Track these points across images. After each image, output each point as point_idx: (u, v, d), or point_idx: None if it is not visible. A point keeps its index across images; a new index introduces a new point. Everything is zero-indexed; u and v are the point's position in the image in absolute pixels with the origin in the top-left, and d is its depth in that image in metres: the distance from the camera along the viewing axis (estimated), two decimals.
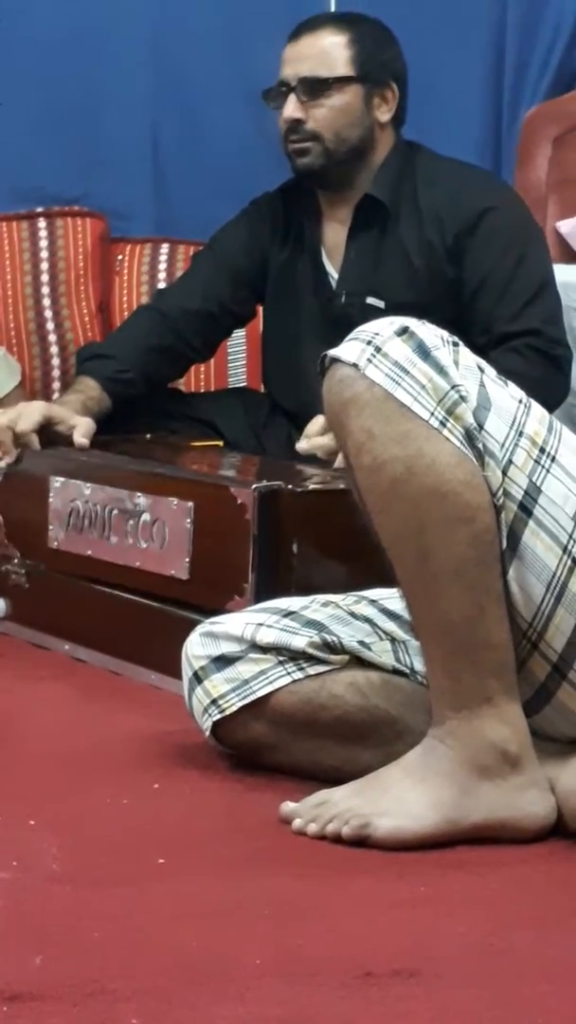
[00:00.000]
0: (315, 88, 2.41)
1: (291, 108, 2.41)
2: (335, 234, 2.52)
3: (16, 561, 2.35)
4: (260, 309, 2.67)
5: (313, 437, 2.23)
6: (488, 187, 2.53)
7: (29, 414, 2.36)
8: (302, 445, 2.24)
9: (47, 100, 3.14)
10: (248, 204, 2.62)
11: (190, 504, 2.06)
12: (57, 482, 2.27)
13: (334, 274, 2.51)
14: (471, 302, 2.39)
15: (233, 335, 2.79)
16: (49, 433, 2.35)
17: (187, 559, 2.06)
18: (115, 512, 2.17)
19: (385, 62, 2.47)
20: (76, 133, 3.16)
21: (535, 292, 2.37)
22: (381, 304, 2.41)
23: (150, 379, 2.52)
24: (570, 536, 1.54)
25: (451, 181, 2.47)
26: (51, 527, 2.27)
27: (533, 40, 3.30)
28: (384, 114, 2.47)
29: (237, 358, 3.09)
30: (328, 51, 2.43)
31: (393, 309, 2.34)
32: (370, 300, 2.43)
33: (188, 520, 2.06)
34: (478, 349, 2.28)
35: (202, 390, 3.02)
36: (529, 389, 1.83)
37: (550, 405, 2.31)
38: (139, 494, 2.14)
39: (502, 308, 2.36)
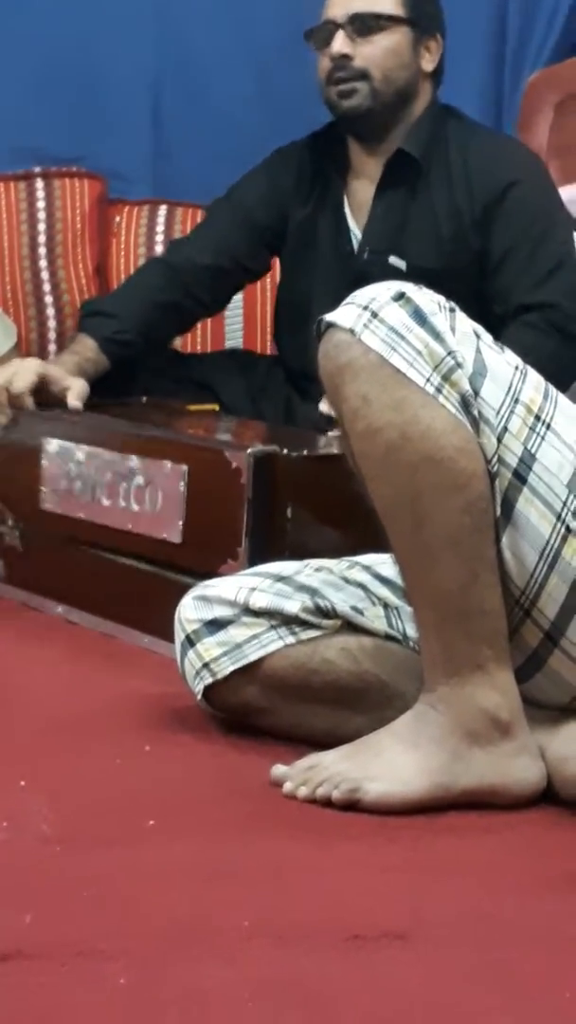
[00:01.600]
0: (367, 24, 2.38)
1: (340, 43, 2.38)
2: (362, 190, 2.49)
3: (10, 523, 2.35)
4: (275, 263, 2.64)
5: None
6: (518, 158, 2.51)
7: (24, 373, 2.34)
8: (324, 407, 2.23)
9: (47, 60, 3.12)
10: (272, 153, 2.58)
11: (184, 467, 2.05)
12: (51, 444, 2.25)
13: (357, 232, 2.48)
14: (493, 273, 2.37)
15: None
16: (44, 394, 2.34)
17: (180, 522, 2.06)
18: (108, 475, 2.16)
19: (432, 13, 2.47)
20: (76, 94, 3.15)
21: (555, 266, 2.36)
22: (403, 265, 2.40)
23: (152, 338, 2.50)
24: (564, 504, 1.54)
25: (482, 149, 2.46)
26: (43, 489, 2.27)
27: (536, 7, 3.29)
28: (428, 64, 2.46)
29: (234, 320, 3.08)
30: None
31: (414, 272, 2.32)
32: (392, 260, 2.41)
33: (182, 483, 2.05)
34: (496, 319, 2.29)
35: (199, 351, 3.01)
36: (544, 363, 1.82)
37: (565, 380, 2.30)
38: (132, 457, 2.13)
39: (522, 280, 2.35)
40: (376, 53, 2.39)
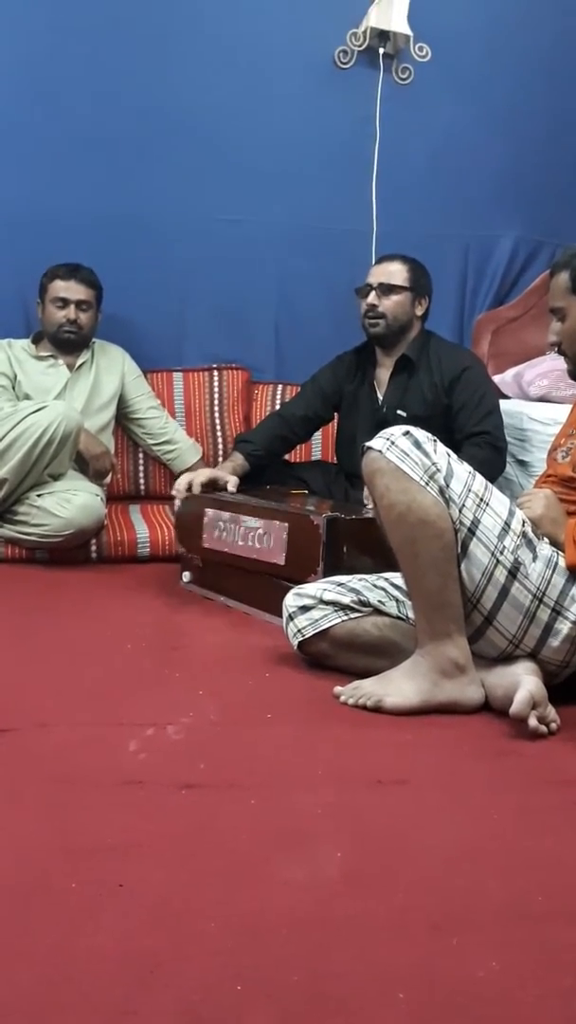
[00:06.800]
0: (386, 290, 2.40)
1: (371, 298, 2.40)
2: (383, 374, 2.48)
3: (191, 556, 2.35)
4: (336, 415, 2.65)
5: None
6: (467, 356, 2.49)
7: (201, 475, 2.37)
8: (368, 503, 2.24)
9: (219, 309, 3.15)
10: (334, 358, 2.59)
11: (286, 525, 2.06)
12: (208, 512, 2.26)
13: (380, 397, 2.48)
14: (455, 417, 2.37)
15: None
16: (214, 486, 2.36)
17: (284, 553, 2.05)
18: (241, 529, 2.16)
19: (424, 284, 2.46)
20: (235, 327, 3.17)
21: (488, 412, 2.34)
22: (405, 414, 2.40)
23: (273, 454, 2.51)
24: (495, 546, 1.52)
25: (450, 352, 2.45)
26: (204, 535, 2.27)
27: (481, 278, 3.28)
28: (420, 310, 2.45)
29: (317, 444, 3.08)
30: (396, 272, 2.42)
31: (411, 418, 2.33)
32: (399, 411, 2.42)
33: (285, 534, 2.05)
34: (456, 441, 2.29)
35: (298, 461, 3.01)
36: (483, 466, 1.80)
37: (495, 474, 2.29)
38: (256, 518, 2.13)
39: (471, 420, 2.34)
40: (391, 306, 2.40)
